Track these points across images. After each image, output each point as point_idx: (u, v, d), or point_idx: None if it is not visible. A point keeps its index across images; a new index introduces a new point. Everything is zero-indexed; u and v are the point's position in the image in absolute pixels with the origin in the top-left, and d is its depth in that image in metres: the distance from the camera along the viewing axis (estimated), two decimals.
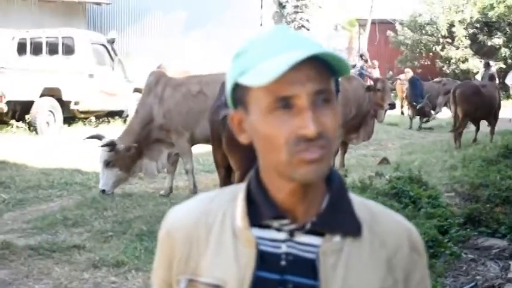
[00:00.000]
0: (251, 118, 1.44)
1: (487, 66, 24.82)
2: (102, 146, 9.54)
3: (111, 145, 9.49)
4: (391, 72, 26.18)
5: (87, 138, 9.82)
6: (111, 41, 19.43)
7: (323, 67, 1.40)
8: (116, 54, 19.49)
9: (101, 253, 6.87)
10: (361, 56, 26.31)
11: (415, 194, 8.59)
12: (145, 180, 10.61)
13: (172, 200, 8.92)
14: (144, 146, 9.72)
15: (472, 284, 6.16)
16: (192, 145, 9.89)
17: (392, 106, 12.31)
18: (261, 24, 33.76)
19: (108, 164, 9.50)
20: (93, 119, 18.77)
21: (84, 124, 18.44)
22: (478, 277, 6.41)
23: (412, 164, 11.97)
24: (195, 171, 11.34)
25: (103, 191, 9.48)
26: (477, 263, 6.90)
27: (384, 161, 13.23)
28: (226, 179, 7.35)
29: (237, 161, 6.74)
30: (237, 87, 1.46)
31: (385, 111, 12.51)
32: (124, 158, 9.53)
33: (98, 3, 27.22)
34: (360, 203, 1.55)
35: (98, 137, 9.71)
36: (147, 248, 6.95)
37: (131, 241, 7.30)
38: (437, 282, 5.96)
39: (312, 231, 1.47)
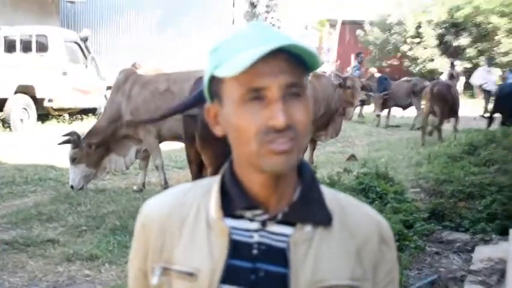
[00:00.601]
0: (225, 110, 1.47)
1: (452, 66, 25.08)
2: (60, 143, 9.58)
3: (70, 142, 9.51)
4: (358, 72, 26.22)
5: (63, 136, 9.83)
6: (85, 39, 19.37)
7: (295, 61, 1.43)
8: (89, 52, 19.44)
9: (75, 247, 6.90)
10: (357, 54, 26.24)
11: (381, 190, 8.62)
12: (118, 176, 10.62)
13: (145, 196, 8.92)
14: (112, 142, 9.75)
15: (436, 275, 6.24)
16: (160, 142, 9.94)
17: (362, 102, 12.54)
18: (233, 23, 33.73)
19: (74, 160, 9.53)
20: (66, 116, 18.70)
21: (58, 121, 18.37)
22: (441, 269, 6.50)
23: (379, 160, 12.04)
24: (168, 167, 11.37)
25: (72, 187, 9.52)
26: (441, 255, 6.99)
27: (352, 157, 13.31)
28: (198, 175, 7.36)
29: (209, 157, 6.77)
30: (213, 80, 1.48)
31: (355, 108, 12.69)
32: (89, 155, 9.56)
33: (72, 2, 26.99)
34: (331, 195, 1.59)
35: (71, 135, 9.71)
36: (120, 242, 6.98)
37: (104, 235, 7.32)
38: (403, 274, 6.03)
39: (283, 221, 1.50)
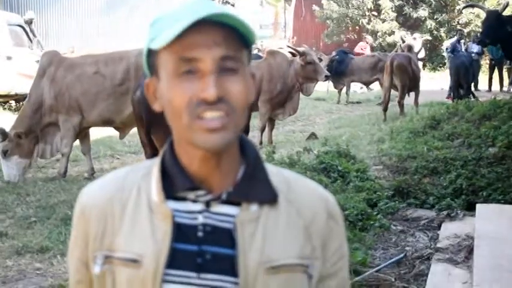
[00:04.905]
0: (161, 84, 1.48)
1: (414, 40, 25.06)
2: None
3: (1, 134, 9.39)
4: (314, 49, 26.15)
5: None
6: (29, 22, 19.05)
7: (232, 34, 1.42)
8: (34, 36, 19.14)
9: (24, 240, 6.81)
10: (459, 30, 25.82)
11: (343, 168, 8.67)
12: (69, 164, 10.48)
13: None
14: (39, 130, 9.64)
15: (402, 255, 6.27)
16: (89, 127, 9.90)
17: (328, 77, 12.53)
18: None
19: (5, 153, 9.41)
20: (12, 103, 18.44)
21: (4, 109, 18.12)
22: (407, 248, 6.53)
23: (340, 138, 12.08)
24: (121, 152, 11.28)
25: (8, 183, 9.38)
26: (406, 234, 7.02)
27: (312, 136, 13.32)
28: (152, 158, 7.30)
29: (159, 139, 6.73)
30: (150, 54, 1.50)
31: (316, 82, 12.79)
32: (20, 145, 9.47)
33: None
34: (276, 172, 1.59)
35: None
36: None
37: (56, 226, 7.24)
38: (367, 255, 6.06)
39: (228, 202, 1.51)
